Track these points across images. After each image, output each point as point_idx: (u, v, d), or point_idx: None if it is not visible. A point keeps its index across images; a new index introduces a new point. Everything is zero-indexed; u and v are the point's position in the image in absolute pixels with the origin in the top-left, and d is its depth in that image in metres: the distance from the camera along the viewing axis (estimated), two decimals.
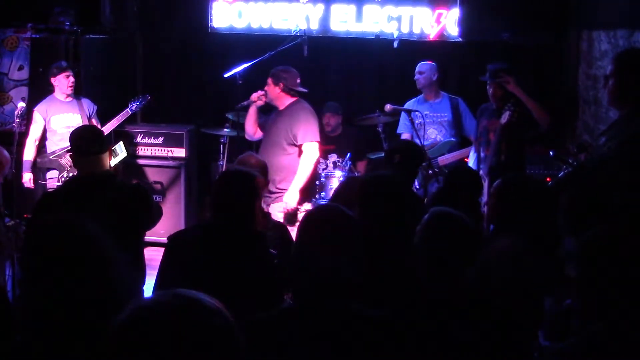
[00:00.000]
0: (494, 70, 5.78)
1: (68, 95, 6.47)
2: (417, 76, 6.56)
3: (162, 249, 3.37)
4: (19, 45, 7.44)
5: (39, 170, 6.39)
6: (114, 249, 2.36)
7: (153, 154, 7.22)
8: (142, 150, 7.23)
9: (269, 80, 5.80)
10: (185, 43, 7.88)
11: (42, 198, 4.21)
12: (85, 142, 3.98)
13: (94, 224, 2.38)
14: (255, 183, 3.34)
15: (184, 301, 1.42)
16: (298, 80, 5.81)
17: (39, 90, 6.61)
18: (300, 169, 5.58)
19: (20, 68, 7.37)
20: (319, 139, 5.70)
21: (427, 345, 2.48)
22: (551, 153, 4.80)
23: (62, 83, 6.42)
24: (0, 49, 7.45)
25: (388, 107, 6.16)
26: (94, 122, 6.47)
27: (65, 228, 2.33)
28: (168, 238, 3.46)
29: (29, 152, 6.40)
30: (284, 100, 5.80)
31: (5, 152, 4.86)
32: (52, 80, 6.46)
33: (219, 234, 3.24)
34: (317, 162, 5.71)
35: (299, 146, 5.64)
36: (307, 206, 5.59)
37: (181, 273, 3.20)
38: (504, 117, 5.46)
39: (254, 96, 5.87)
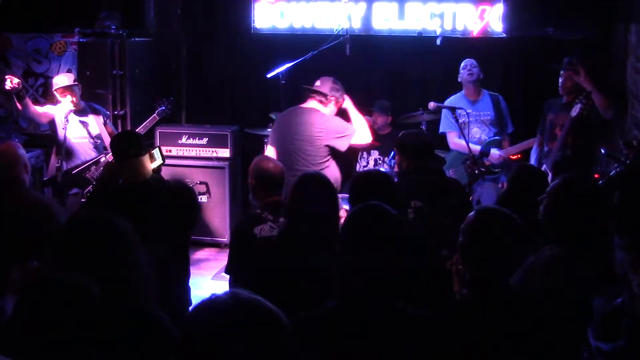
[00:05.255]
0: (568, 61, 5.70)
1: (76, 111, 6.27)
2: (471, 69, 6.44)
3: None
4: (67, 50, 7.59)
5: (61, 186, 6.10)
6: (140, 248, 2.45)
7: (198, 154, 7.29)
8: (187, 151, 7.30)
9: None
10: (228, 44, 7.94)
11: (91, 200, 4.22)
12: (122, 147, 4.02)
13: (125, 221, 2.46)
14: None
15: (244, 303, 1.46)
16: None
17: (87, 94, 6.71)
18: None
19: (68, 72, 7.50)
20: None
21: (472, 345, 2.46)
22: (603, 151, 4.70)
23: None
24: (48, 54, 7.61)
25: (432, 104, 6.09)
26: (110, 128, 6.40)
27: (99, 223, 2.41)
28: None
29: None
30: None
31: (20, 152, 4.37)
32: None
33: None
34: None
35: None
36: None
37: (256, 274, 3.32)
38: (575, 110, 5.35)
39: None
